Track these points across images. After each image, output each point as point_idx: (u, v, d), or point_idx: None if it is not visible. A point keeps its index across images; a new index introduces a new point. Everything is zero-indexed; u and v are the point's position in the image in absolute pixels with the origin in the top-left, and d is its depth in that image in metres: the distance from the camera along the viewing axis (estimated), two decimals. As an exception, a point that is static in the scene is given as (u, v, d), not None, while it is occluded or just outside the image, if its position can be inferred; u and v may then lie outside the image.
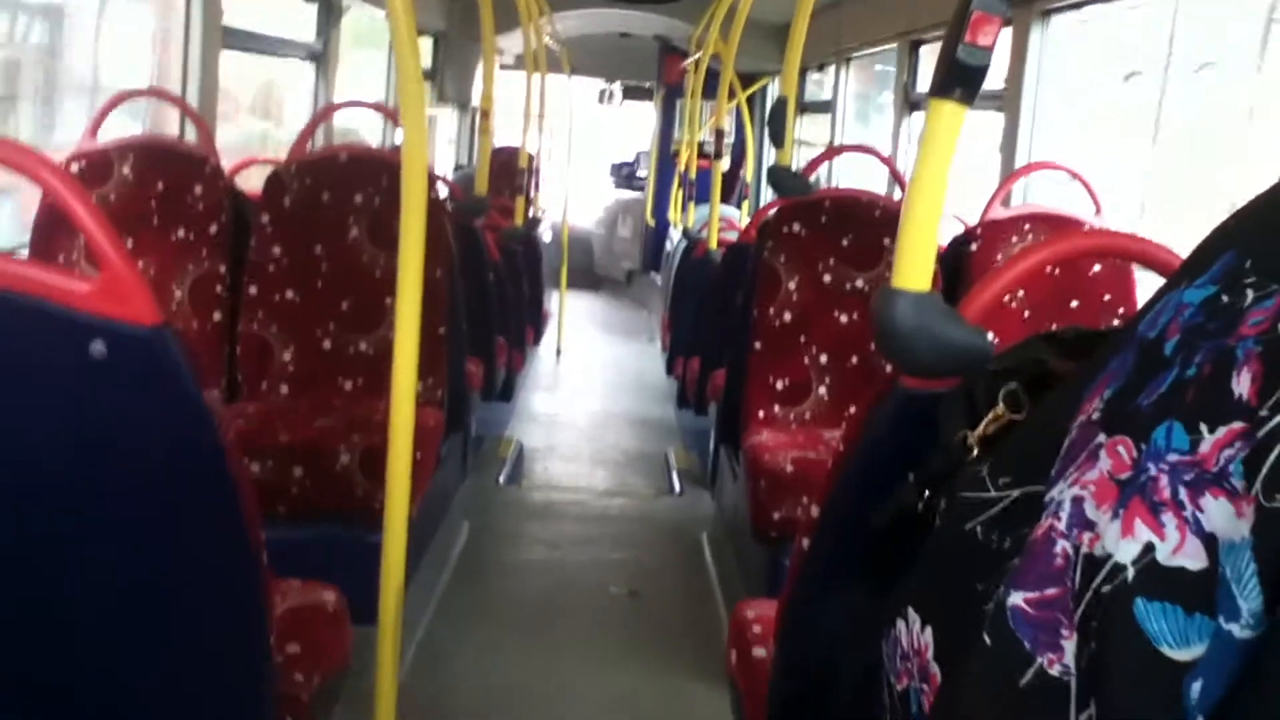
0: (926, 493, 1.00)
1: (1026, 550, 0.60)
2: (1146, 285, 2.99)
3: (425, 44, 7.22)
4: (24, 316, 1.16)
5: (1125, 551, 0.52)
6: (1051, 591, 0.56)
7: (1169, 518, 0.50)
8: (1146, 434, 0.54)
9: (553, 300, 7.80)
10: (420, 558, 2.98)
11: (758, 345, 3.16)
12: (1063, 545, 0.57)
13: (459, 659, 2.88)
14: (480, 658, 2.91)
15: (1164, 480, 0.51)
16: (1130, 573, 0.51)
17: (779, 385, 3.17)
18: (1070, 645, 0.54)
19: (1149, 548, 0.51)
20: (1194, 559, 0.49)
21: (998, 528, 0.67)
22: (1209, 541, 0.48)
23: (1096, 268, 3.02)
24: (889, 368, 1.30)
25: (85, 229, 1.19)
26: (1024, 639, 0.58)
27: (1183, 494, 0.50)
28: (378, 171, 3.13)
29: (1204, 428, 0.50)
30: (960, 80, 1.14)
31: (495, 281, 4.47)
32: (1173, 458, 0.51)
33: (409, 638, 2.75)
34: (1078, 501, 0.57)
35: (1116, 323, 2.93)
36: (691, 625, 3.21)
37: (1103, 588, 0.53)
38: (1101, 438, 0.58)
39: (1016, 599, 0.59)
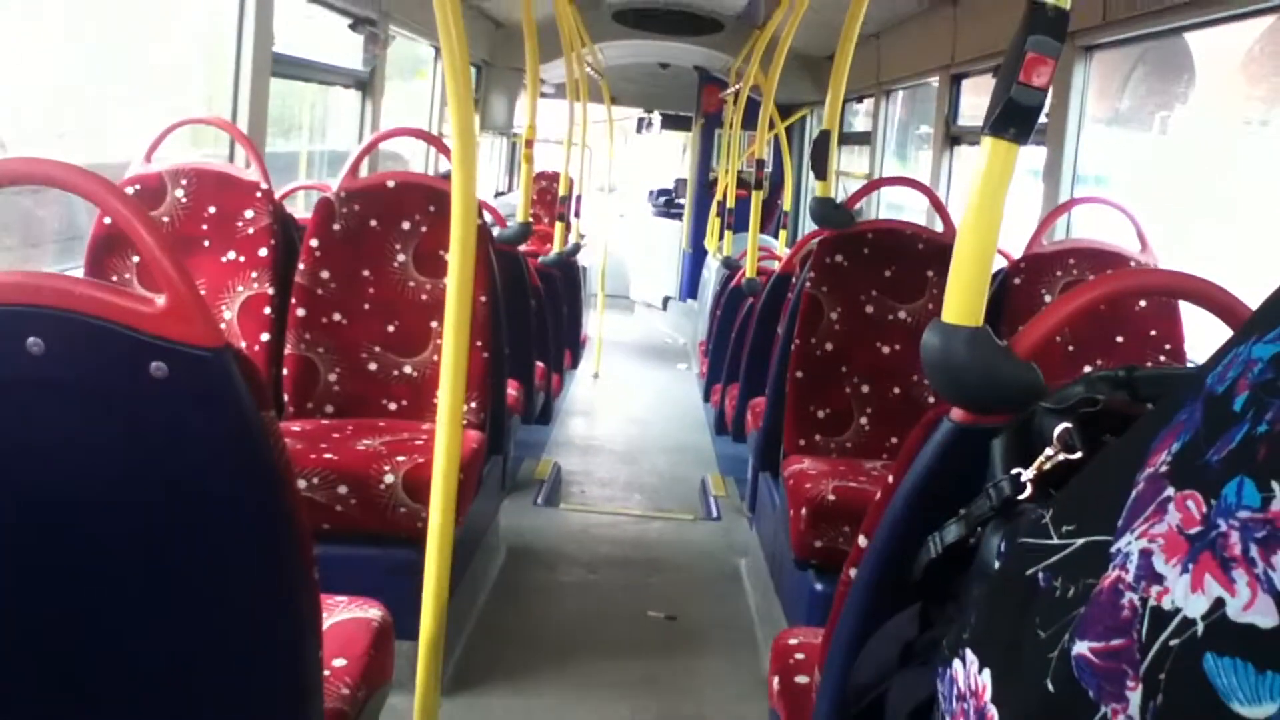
0: (978, 529, 1.01)
1: (1092, 600, 0.60)
2: (1192, 321, 2.97)
3: (468, 72, 7.30)
4: (89, 336, 1.19)
5: (1195, 606, 0.52)
6: (1118, 642, 0.56)
7: (1240, 574, 0.50)
8: (1216, 489, 0.54)
9: (590, 325, 7.83)
10: (460, 577, 3.01)
11: (799, 374, 3.16)
12: (1130, 597, 0.57)
13: (496, 678, 2.90)
14: (517, 677, 2.92)
15: (1235, 536, 0.51)
16: (1200, 627, 0.51)
17: (820, 414, 3.17)
18: (1135, 696, 0.54)
19: (1219, 603, 0.51)
20: (1266, 616, 0.49)
21: (1061, 575, 0.67)
22: None
23: (1142, 303, 3.01)
24: (931, 399, 1.31)
25: (149, 253, 1.22)
26: (1088, 688, 0.58)
27: (1254, 551, 0.50)
28: (425, 199, 3.18)
29: (1276, 485, 0.50)
30: (1014, 119, 1.16)
31: (535, 306, 4.51)
32: (1244, 514, 0.51)
33: (447, 655, 2.77)
34: (1146, 554, 0.57)
35: (1163, 358, 2.92)
36: (729, 651, 3.21)
37: (1171, 641, 0.53)
38: (1170, 491, 0.58)
39: (1082, 648, 0.59)
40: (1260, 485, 0.51)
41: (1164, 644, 0.53)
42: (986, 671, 0.72)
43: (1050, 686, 0.61)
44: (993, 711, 0.70)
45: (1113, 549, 0.61)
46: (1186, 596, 0.53)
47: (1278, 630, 0.48)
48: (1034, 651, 0.65)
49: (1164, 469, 0.60)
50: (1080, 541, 0.67)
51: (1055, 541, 0.69)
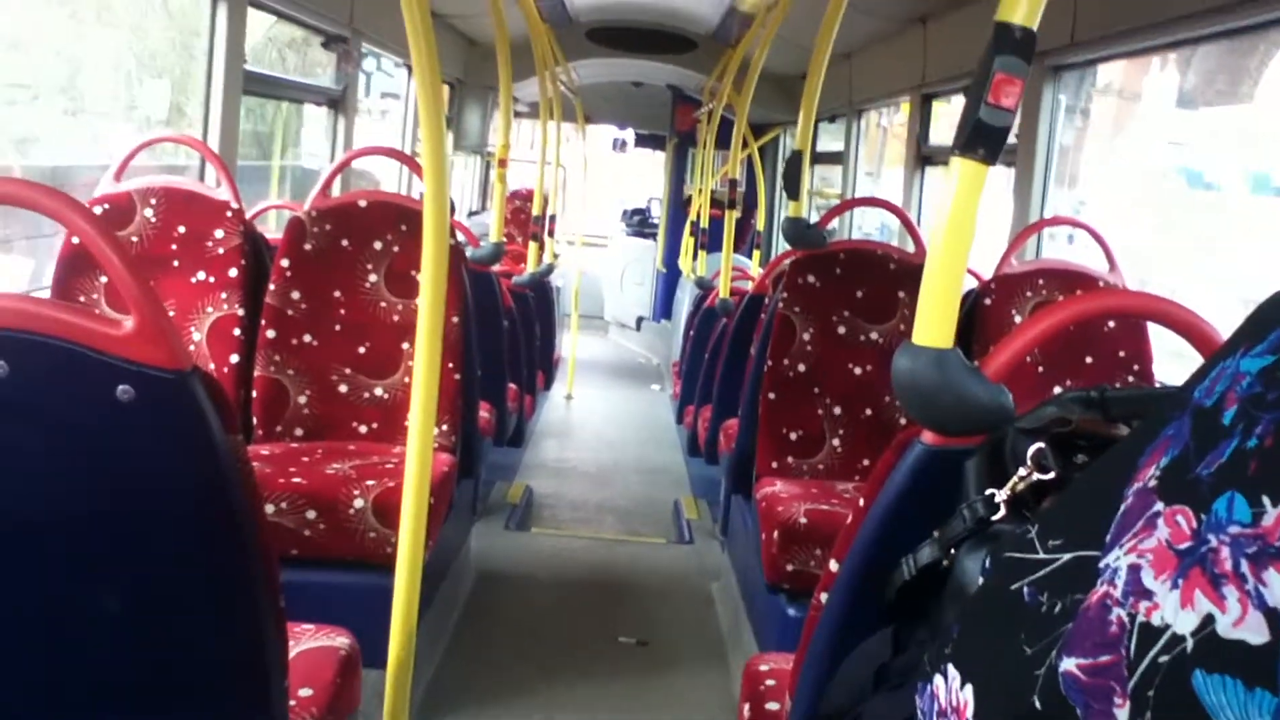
0: (951, 550, 1.00)
1: (1080, 616, 0.59)
2: (1160, 342, 2.99)
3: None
4: (54, 359, 1.17)
5: (1184, 622, 0.51)
6: (1105, 659, 0.56)
7: (1230, 590, 0.50)
8: (1206, 504, 0.53)
9: (564, 345, 7.81)
10: (430, 602, 2.97)
11: (771, 395, 3.16)
12: (1118, 613, 0.56)
13: (466, 704, 2.87)
14: (487, 703, 2.89)
15: (1225, 552, 0.51)
16: (1189, 644, 0.50)
17: (792, 436, 3.17)
18: (1123, 713, 0.53)
19: (1209, 619, 0.50)
20: (1256, 633, 0.48)
21: (1047, 590, 0.66)
22: (1271, 616, 0.48)
23: (1111, 324, 3.03)
24: (903, 421, 1.30)
25: (116, 274, 1.20)
26: (1076, 705, 0.57)
27: (1244, 566, 0.49)
28: (397, 218, 3.16)
29: (1267, 500, 0.50)
30: (983, 140, 1.16)
31: (508, 327, 4.49)
32: (1234, 529, 0.51)
33: (417, 682, 2.74)
34: (1134, 569, 0.56)
35: (1131, 379, 2.93)
36: (701, 676, 3.19)
37: (1160, 658, 0.52)
38: (1159, 506, 0.57)
39: (1069, 664, 0.58)
40: (1251, 500, 0.50)
41: (1153, 660, 0.52)
42: (969, 687, 0.72)
43: (1037, 704, 0.60)
44: None
45: (1100, 564, 0.60)
46: (1176, 612, 0.52)
47: (1268, 647, 0.47)
48: (1019, 668, 0.64)
49: (1153, 483, 0.59)
50: (1067, 556, 0.66)
51: (1041, 556, 0.69)
